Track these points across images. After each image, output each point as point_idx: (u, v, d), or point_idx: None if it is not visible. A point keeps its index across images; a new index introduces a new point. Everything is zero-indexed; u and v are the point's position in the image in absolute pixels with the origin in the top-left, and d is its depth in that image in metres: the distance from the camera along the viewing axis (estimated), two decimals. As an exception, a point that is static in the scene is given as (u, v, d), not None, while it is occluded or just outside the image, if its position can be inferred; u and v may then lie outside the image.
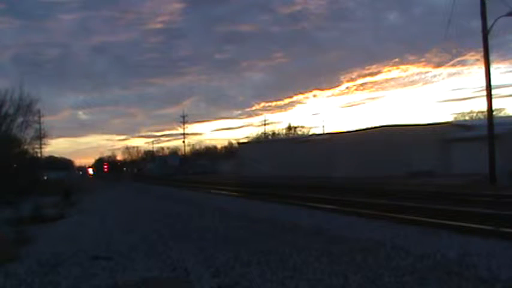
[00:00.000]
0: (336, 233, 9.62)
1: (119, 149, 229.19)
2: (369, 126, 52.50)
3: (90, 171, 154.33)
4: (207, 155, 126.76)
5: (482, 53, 26.45)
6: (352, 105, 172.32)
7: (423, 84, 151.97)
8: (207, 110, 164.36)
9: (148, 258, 7.80)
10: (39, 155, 56.96)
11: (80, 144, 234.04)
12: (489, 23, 25.93)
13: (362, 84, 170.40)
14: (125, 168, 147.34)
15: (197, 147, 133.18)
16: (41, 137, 53.21)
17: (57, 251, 8.87)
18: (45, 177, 61.20)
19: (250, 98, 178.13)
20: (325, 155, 49.86)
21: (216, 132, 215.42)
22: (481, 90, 64.13)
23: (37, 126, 50.22)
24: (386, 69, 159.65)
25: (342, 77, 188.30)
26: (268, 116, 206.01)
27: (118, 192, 38.21)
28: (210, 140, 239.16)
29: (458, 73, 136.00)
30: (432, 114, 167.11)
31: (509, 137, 34.44)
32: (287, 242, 8.76)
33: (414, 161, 40.55)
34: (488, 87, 26.28)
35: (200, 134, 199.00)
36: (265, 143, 79.94)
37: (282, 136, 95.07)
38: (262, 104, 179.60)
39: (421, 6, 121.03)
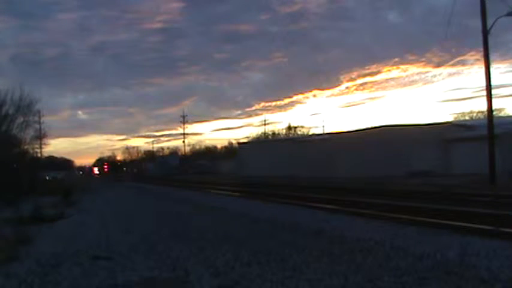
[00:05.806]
0: (335, 233, 9.62)
1: (118, 149, 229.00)
2: (369, 126, 52.59)
3: (96, 170, 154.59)
4: (207, 155, 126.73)
5: (482, 53, 26.48)
6: (352, 105, 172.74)
7: (423, 84, 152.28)
8: (207, 110, 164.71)
9: (148, 258, 7.80)
10: (39, 155, 57.04)
11: (79, 144, 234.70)
12: (489, 23, 25.96)
13: (362, 84, 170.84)
14: (124, 168, 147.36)
15: (197, 147, 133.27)
16: (41, 137, 53.35)
17: (57, 251, 8.87)
18: (46, 177, 61.23)
19: (250, 98, 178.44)
20: (325, 155, 49.86)
21: (216, 132, 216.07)
22: (481, 90, 64.06)
23: (37, 126, 50.40)
24: (386, 69, 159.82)
25: (342, 77, 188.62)
26: (268, 116, 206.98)
27: (118, 192, 38.22)
28: (210, 140, 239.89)
29: (458, 73, 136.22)
30: (432, 114, 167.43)
31: (509, 137, 34.46)
32: (287, 242, 8.76)
33: (414, 161, 40.55)
34: (488, 87, 26.29)
35: (200, 134, 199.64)
36: (265, 143, 79.93)
37: (282, 136, 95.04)
38: (262, 104, 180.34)
39: (421, 6, 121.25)
